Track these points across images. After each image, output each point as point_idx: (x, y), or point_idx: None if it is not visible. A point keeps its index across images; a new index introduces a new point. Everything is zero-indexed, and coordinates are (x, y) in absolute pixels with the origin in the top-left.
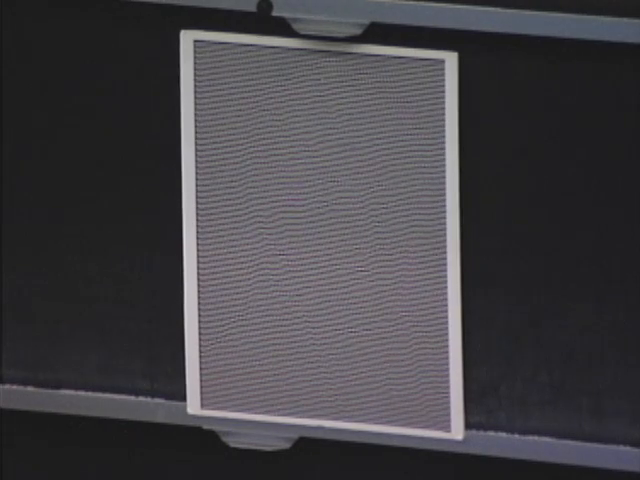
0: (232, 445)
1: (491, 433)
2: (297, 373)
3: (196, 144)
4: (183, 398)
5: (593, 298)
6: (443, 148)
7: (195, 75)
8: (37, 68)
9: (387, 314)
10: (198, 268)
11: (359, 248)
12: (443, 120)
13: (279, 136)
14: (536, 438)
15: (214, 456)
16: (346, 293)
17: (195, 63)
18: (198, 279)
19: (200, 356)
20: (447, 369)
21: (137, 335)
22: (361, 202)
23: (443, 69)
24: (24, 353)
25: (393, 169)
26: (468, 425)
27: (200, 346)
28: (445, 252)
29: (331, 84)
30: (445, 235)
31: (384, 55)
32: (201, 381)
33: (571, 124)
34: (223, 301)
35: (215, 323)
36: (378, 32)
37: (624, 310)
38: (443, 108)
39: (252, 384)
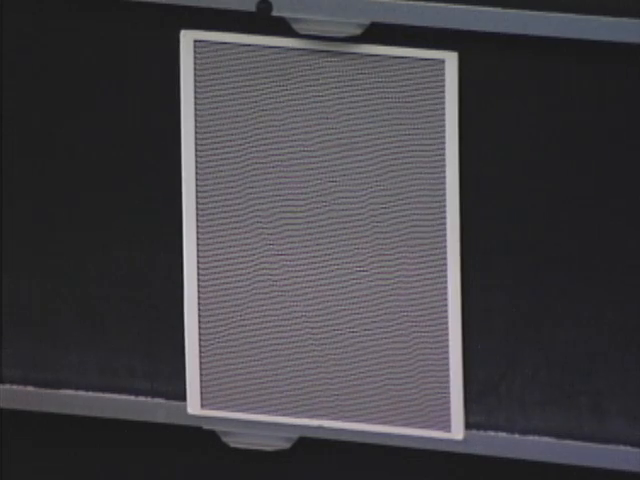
0: (232, 445)
1: (491, 433)
2: (297, 373)
3: (196, 144)
4: (183, 398)
5: (593, 298)
6: (443, 148)
7: (195, 75)
8: (37, 68)
9: (387, 314)
10: (198, 268)
11: (359, 248)
12: (443, 120)
13: (279, 136)
14: (536, 438)
15: (214, 456)
16: (346, 293)
17: (195, 63)
18: (198, 279)
19: (200, 356)
20: (447, 369)
21: (137, 335)
22: (361, 202)
23: (443, 69)
24: (24, 353)
25: (393, 169)
26: (468, 425)
27: (200, 346)
28: (445, 252)
29: (331, 84)
30: (445, 235)
31: (384, 55)
32: (201, 381)
33: (571, 124)
34: (223, 301)
35: (215, 323)
36: (378, 32)
37: (624, 310)
38: (443, 108)
39: (252, 384)
